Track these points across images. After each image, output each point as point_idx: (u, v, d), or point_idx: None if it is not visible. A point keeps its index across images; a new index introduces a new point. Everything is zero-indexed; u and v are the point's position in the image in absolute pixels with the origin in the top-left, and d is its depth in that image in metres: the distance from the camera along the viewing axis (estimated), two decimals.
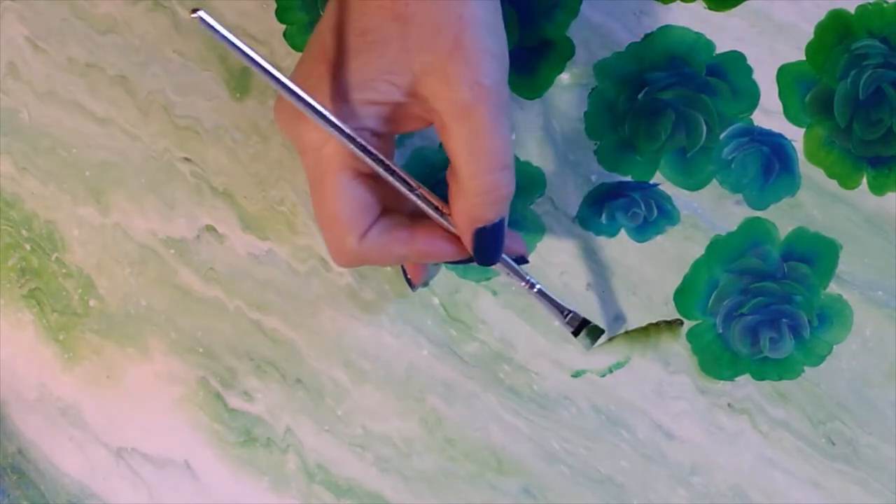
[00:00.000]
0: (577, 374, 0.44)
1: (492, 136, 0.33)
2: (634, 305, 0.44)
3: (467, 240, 0.36)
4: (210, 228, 0.45)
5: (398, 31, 0.33)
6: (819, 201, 0.44)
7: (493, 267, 0.38)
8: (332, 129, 0.34)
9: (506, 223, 0.36)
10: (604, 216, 0.44)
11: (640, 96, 0.44)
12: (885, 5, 0.43)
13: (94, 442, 0.46)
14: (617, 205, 0.44)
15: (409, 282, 0.43)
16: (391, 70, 0.33)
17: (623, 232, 0.44)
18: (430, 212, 0.37)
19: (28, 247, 0.46)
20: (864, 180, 0.44)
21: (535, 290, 0.40)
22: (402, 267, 0.43)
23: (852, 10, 0.43)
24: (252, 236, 0.45)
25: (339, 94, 0.34)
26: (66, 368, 0.46)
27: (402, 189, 0.36)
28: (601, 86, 0.44)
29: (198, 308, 0.45)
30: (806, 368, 0.44)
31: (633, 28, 0.44)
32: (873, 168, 0.44)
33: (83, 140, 0.46)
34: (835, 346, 0.44)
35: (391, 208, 0.37)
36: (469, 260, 0.37)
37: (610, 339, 0.44)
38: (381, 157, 0.35)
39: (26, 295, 0.46)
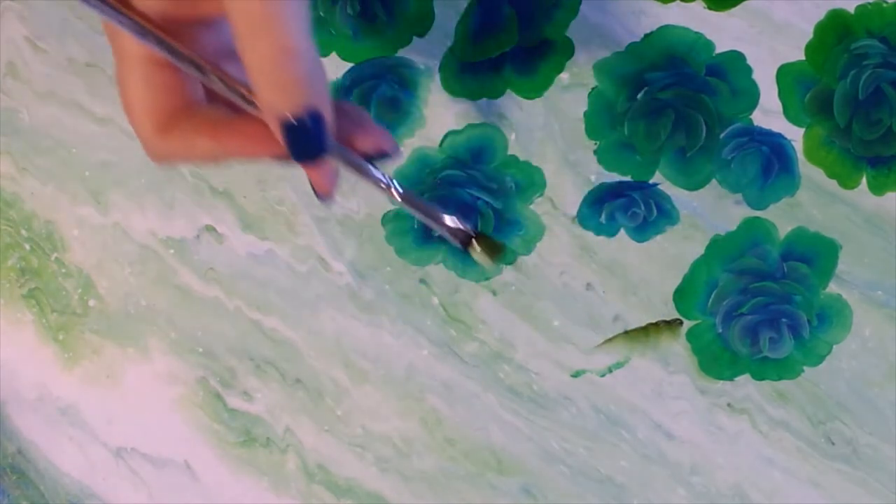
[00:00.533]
0: (576, 374, 0.44)
1: (262, 18, 0.29)
2: (634, 305, 0.44)
3: (275, 131, 0.31)
4: (210, 228, 0.45)
5: None
6: (819, 201, 0.44)
7: (348, 169, 0.33)
8: (92, 6, 0.30)
9: (319, 114, 0.31)
10: (603, 216, 0.44)
11: (639, 96, 0.44)
12: (884, 5, 0.43)
13: (94, 442, 0.46)
14: (616, 204, 0.44)
15: (314, 191, 0.36)
16: None
17: (623, 232, 0.44)
18: (235, 98, 0.32)
19: (28, 247, 0.46)
20: (864, 180, 0.44)
21: (399, 195, 0.33)
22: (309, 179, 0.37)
23: (852, 10, 0.43)
24: (252, 236, 0.45)
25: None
26: (65, 368, 0.46)
27: (193, 72, 0.32)
28: (601, 86, 0.44)
29: (198, 308, 0.45)
30: (805, 368, 0.44)
31: (632, 28, 0.44)
32: (873, 168, 0.44)
33: (83, 140, 0.46)
34: (834, 346, 0.44)
35: (218, 102, 0.33)
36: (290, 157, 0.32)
37: (610, 339, 0.44)
38: (154, 34, 0.31)
39: (26, 295, 0.46)
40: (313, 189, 0.36)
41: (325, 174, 0.36)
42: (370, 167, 0.33)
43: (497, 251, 0.33)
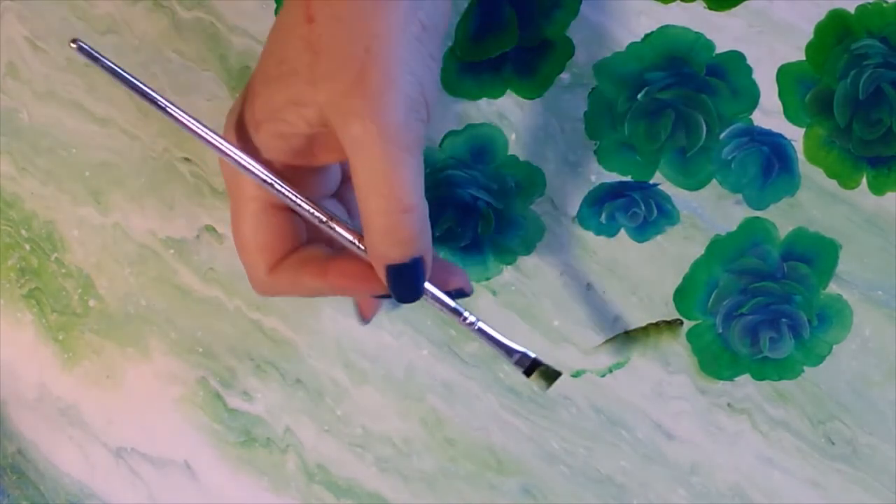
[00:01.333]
0: (576, 374, 0.45)
1: (387, 178, 0.33)
2: (634, 305, 0.45)
3: (381, 275, 0.35)
4: (210, 228, 0.46)
5: (309, 60, 0.33)
6: (819, 201, 0.44)
7: (428, 303, 0.37)
8: (227, 157, 0.35)
9: (424, 262, 0.35)
10: (603, 216, 0.45)
11: (639, 96, 0.44)
12: (884, 5, 0.44)
13: (94, 442, 0.46)
14: (617, 205, 0.44)
15: (358, 314, 0.43)
16: (299, 100, 0.33)
17: (623, 232, 0.45)
18: (347, 244, 0.36)
19: (28, 247, 0.46)
20: (864, 180, 0.44)
21: (476, 328, 0.38)
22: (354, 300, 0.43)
23: (852, 10, 0.44)
24: None
25: (249, 123, 0.35)
26: (65, 368, 0.46)
27: (312, 220, 0.36)
28: (601, 86, 0.44)
29: (198, 308, 0.46)
30: (806, 368, 0.44)
31: (633, 28, 0.44)
32: (873, 168, 0.44)
33: (83, 140, 0.46)
34: (834, 346, 0.44)
35: (317, 240, 0.38)
36: (389, 295, 0.36)
37: (610, 339, 0.45)
38: (282, 186, 0.35)
39: (26, 295, 0.46)
40: (358, 313, 0.42)
41: (373, 304, 0.41)
42: (452, 304, 0.38)
43: (553, 378, 0.39)
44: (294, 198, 0.35)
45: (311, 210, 0.36)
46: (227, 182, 0.37)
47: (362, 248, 0.36)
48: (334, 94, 0.32)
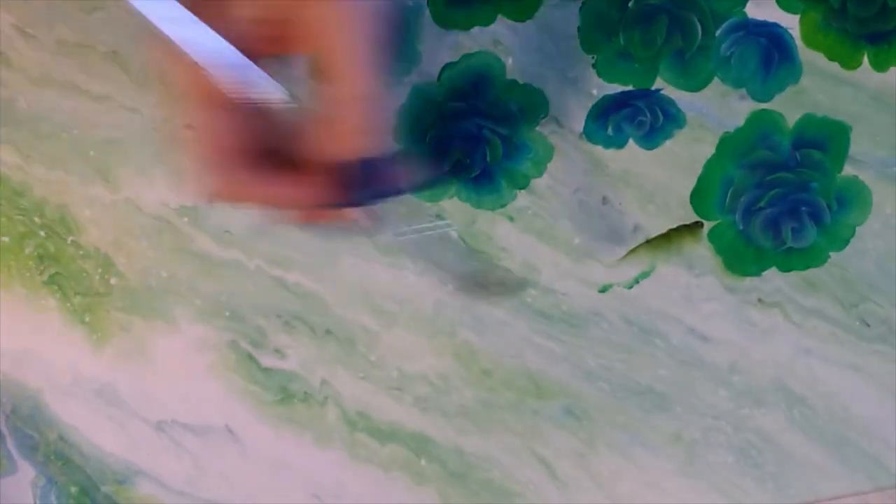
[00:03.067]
0: (603, 289, 0.45)
1: (337, 62, 0.33)
2: (652, 213, 0.45)
3: (330, 169, 0.35)
4: None
5: None
6: (823, 85, 0.44)
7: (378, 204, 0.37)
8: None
9: (379, 157, 0.35)
10: (610, 128, 0.45)
11: (630, 4, 0.45)
12: None
13: (134, 418, 0.47)
14: (622, 115, 0.45)
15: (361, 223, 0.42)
16: None
17: (631, 141, 0.45)
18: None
19: (43, 233, 0.47)
20: (865, 59, 0.44)
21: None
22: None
23: None
24: None
25: (217, 6, 0.35)
26: (96, 349, 0.47)
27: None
28: None
29: (218, 272, 0.46)
30: (831, 254, 0.45)
31: None
32: (873, 45, 0.44)
33: (83, 120, 0.47)
34: (857, 228, 0.44)
35: (275, 148, 0.37)
36: (339, 205, 0.36)
37: (633, 250, 0.45)
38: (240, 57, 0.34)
39: (47, 281, 0.47)
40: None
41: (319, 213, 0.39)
42: None
43: None
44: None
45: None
46: (189, 79, 0.36)
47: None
48: None
